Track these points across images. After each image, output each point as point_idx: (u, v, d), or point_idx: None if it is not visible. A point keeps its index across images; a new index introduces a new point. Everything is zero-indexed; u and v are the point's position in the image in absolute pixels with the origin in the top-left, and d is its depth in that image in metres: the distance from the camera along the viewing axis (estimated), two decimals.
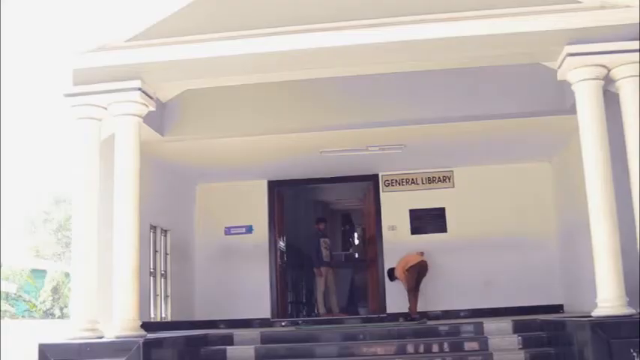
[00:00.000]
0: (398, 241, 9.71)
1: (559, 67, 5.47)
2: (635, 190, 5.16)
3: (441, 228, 9.75)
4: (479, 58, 5.67)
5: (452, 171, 9.88)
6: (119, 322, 5.34)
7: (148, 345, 5.11)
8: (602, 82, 5.34)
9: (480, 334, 6.34)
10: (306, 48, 5.64)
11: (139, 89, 5.55)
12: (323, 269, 10.18)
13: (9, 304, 17.86)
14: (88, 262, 5.45)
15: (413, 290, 8.91)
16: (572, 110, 5.53)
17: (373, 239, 10.15)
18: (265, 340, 6.55)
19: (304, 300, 12.41)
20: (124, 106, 5.60)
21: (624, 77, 5.28)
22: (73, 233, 5.70)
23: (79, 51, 5.68)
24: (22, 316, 18.62)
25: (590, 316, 5.05)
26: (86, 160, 5.60)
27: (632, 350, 4.65)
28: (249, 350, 6.29)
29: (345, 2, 5.69)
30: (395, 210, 9.88)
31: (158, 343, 5.54)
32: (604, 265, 5.05)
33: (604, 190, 5.12)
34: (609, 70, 5.30)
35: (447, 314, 9.40)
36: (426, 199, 9.82)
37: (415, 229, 9.78)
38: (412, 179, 9.91)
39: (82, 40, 5.64)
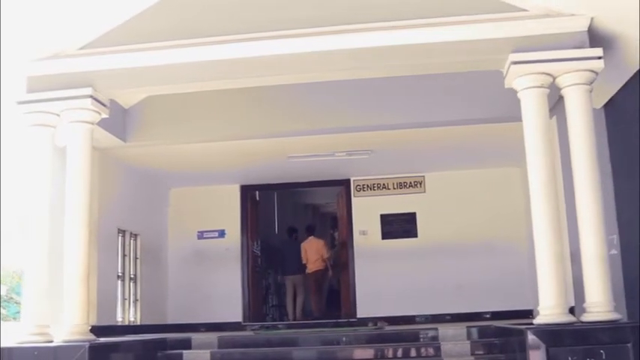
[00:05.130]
0: (369, 245, 9.76)
1: (505, 76, 5.49)
2: (579, 197, 5.18)
3: (412, 233, 9.80)
4: (426, 65, 5.68)
5: (423, 176, 9.94)
6: (67, 326, 5.39)
7: (95, 349, 5.14)
8: (548, 90, 5.34)
9: (434, 340, 6.37)
10: (262, 55, 5.63)
11: (91, 96, 5.60)
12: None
13: (1, 307, 17.93)
14: (38, 266, 5.50)
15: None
16: None
17: (345, 244, 10.18)
18: (222, 344, 6.60)
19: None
20: (76, 113, 5.64)
21: (569, 85, 5.27)
22: (26, 238, 5.75)
23: (33, 58, 5.74)
24: (14, 318, 18.69)
25: (532, 324, 5.07)
26: (38, 166, 5.66)
27: (569, 358, 4.68)
28: (205, 354, 6.33)
29: (305, 9, 5.69)
30: (366, 215, 9.95)
31: (107, 347, 5.57)
32: (545, 273, 5.05)
33: (546, 198, 5.11)
34: (555, 78, 5.32)
35: (417, 319, 9.42)
36: (397, 204, 9.89)
37: (386, 234, 9.85)
38: (383, 184, 9.97)
39: (37, 47, 5.70)
